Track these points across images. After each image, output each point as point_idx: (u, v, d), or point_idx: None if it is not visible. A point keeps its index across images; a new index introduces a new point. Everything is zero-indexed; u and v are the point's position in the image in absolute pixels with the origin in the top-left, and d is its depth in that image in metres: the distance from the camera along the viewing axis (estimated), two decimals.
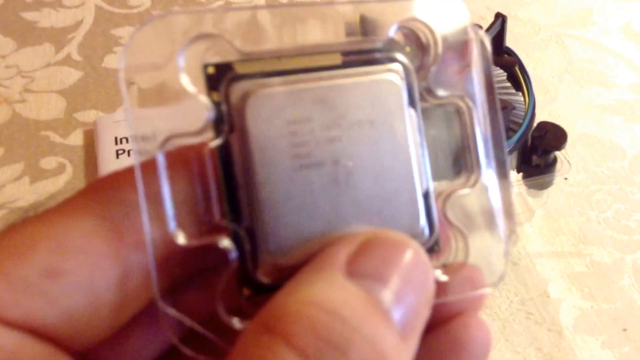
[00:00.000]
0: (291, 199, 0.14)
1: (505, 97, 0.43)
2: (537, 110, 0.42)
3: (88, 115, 0.52)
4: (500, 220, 0.15)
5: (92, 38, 0.59)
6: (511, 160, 0.41)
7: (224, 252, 0.13)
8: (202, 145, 0.14)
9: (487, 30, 0.43)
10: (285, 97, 0.14)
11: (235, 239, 0.14)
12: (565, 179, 0.45)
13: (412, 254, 0.13)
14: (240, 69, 0.14)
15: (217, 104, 0.14)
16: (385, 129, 0.14)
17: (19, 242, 0.12)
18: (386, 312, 0.12)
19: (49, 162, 0.49)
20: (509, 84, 0.44)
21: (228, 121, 0.13)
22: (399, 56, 0.15)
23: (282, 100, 0.14)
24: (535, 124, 0.41)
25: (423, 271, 0.13)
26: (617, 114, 0.52)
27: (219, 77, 0.13)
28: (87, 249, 0.12)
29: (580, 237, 0.44)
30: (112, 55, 0.57)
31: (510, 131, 0.40)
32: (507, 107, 0.38)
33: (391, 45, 0.15)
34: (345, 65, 0.15)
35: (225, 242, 0.13)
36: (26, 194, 0.47)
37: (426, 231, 0.15)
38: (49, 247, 0.12)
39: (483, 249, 0.15)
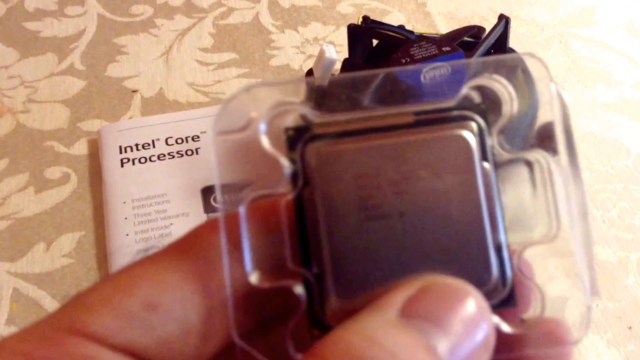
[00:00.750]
0: (357, 248, 0.15)
1: None
2: (539, 111, 0.42)
3: (92, 125, 0.52)
4: (583, 274, 0.16)
5: (95, 47, 0.59)
6: None
7: (295, 296, 0.15)
8: (279, 198, 0.15)
9: (490, 32, 0.43)
10: (354, 154, 0.15)
11: (306, 284, 0.15)
12: None
13: (473, 301, 0.13)
14: (316, 130, 0.15)
15: (294, 162, 0.15)
16: (454, 183, 0.15)
17: (124, 279, 0.14)
18: (435, 354, 0.13)
19: (53, 172, 0.49)
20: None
21: (303, 177, 0.15)
22: (472, 114, 0.15)
23: (352, 156, 0.15)
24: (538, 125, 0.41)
25: (483, 321, 0.13)
26: (621, 112, 0.52)
27: (297, 139, 0.15)
28: (180, 286, 0.14)
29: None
30: (115, 64, 0.57)
31: None
32: None
33: (464, 103, 0.15)
34: (417, 124, 0.15)
35: (297, 287, 0.15)
36: (31, 204, 0.47)
37: (499, 284, 0.15)
38: (149, 283, 0.14)
39: (563, 304, 0.16)
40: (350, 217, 0.15)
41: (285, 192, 0.15)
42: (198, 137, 0.49)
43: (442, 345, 0.13)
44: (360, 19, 0.47)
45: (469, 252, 0.15)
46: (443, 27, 0.60)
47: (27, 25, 0.61)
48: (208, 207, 0.45)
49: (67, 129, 0.52)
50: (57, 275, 0.43)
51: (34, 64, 0.57)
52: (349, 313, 0.14)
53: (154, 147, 0.49)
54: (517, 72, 0.42)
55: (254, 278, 0.15)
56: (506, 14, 0.58)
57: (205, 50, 0.59)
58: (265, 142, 0.15)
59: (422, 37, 0.44)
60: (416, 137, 0.15)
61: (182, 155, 0.48)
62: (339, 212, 0.15)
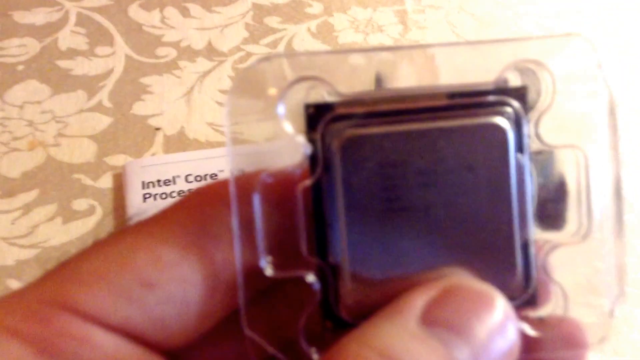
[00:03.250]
0: (377, 241, 0.14)
1: None
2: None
3: (117, 160, 0.56)
4: (611, 278, 0.15)
5: (122, 86, 0.63)
6: None
7: (308, 286, 0.14)
8: (297, 181, 0.14)
9: None
10: (381, 139, 0.14)
11: (321, 274, 0.14)
12: None
13: (499, 309, 0.12)
14: (340, 109, 0.14)
15: (313, 143, 0.14)
16: (485, 175, 0.14)
17: (119, 252, 0.13)
18: None
19: (80, 204, 0.52)
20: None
21: (323, 161, 0.14)
22: (510, 99, 0.14)
23: (378, 142, 0.13)
24: None
25: (509, 330, 0.12)
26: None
27: (318, 118, 0.14)
28: (180, 263, 0.13)
29: (589, 288, 0.46)
30: (141, 103, 0.61)
31: None
32: None
33: (503, 85, 0.14)
34: (450, 107, 0.14)
35: (311, 277, 0.14)
36: (58, 234, 0.50)
37: (522, 283, 0.14)
38: (146, 259, 0.13)
39: (586, 307, 0.15)
40: (372, 207, 0.14)
41: (303, 175, 0.14)
42: (216, 175, 0.53)
43: (464, 356, 0.12)
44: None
45: (494, 249, 0.14)
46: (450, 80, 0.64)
47: (60, 63, 0.65)
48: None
49: (94, 163, 0.55)
50: None
51: (65, 100, 0.61)
52: (365, 308, 0.13)
53: (174, 183, 0.52)
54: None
55: (267, 268, 0.13)
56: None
57: (224, 92, 0.62)
58: (283, 120, 0.13)
59: None
60: (448, 124, 0.14)
61: None
62: (361, 202, 0.14)
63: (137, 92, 0.62)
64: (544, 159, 0.14)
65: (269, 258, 0.14)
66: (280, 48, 0.67)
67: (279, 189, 0.14)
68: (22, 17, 0.71)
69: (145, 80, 0.64)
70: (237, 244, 0.13)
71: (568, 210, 0.15)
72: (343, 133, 0.14)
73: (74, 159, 0.56)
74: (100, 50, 0.67)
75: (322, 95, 0.14)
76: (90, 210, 0.52)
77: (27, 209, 0.52)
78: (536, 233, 0.14)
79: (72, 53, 0.66)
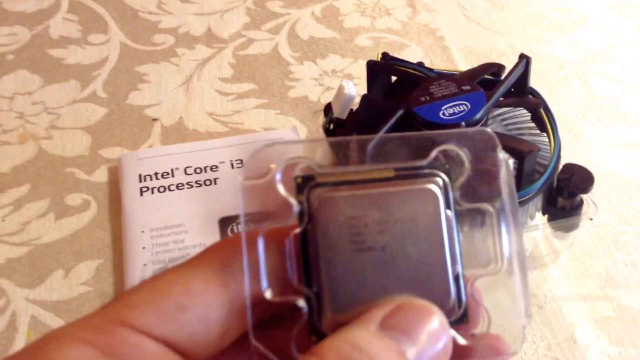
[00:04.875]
0: (348, 273, 0.19)
1: (529, 138, 0.42)
2: (560, 149, 0.42)
3: (112, 152, 0.53)
4: (520, 299, 0.19)
5: (117, 75, 0.60)
6: (537, 202, 0.41)
7: (299, 309, 0.19)
8: (289, 230, 0.19)
9: (511, 71, 0.43)
10: (347, 199, 0.19)
11: (308, 299, 0.19)
12: (591, 219, 0.44)
13: (436, 318, 0.18)
14: (319, 179, 0.19)
15: (301, 203, 0.19)
16: (424, 225, 0.19)
17: (161, 285, 0.18)
18: (405, 357, 0.17)
19: (73, 199, 0.49)
20: (533, 124, 0.43)
21: (307, 215, 0.19)
22: (438, 172, 0.19)
23: (345, 201, 0.19)
24: (560, 165, 0.41)
25: (443, 334, 0.18)
26: None
27: (303, 185, 0.19)
28: (206, 292, 0.18)
29: (607, 279, 0.43)
30: (137, 92, 0.58)
31: (535, 173, 0.40)
32: (533, 149, 0.38)
33: (433, 163, 0.20)
34: (396, 177, 0.19)
35: (300, 302, 0.19)
36: (51, 230, 0.47)
37: (456, 305, 0.19)
38: (181, 290, 0.18)
39: (505, 322, 0.20)
40: (343, 248, 0.19)
41: (293, 226, 0.19)
42: (217, 167, 0.50)
43: (411, 352, 0.17)
44: (380, 56, 0.48)
45: (433, 279, 0.19)
46: (461, 62, 0.61)
47: (52, 52, 0.62)
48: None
49: (88, 156, 0.52)
50: (75, 303, 0.43)
51: (57, 91, 0.58)
52: (340, 324, 0.18)
53: (172, 176, 0.49)
54: (539, 111, 0.42)
55: (267, 293, 0.19)
56: (525, 50, 0.58)
57: (224, 80, 0.59)
58: (280, 187, 0.19)
59: (441, 75, 0.44)
60: (395, 189, 0.19)
61: (201, 185, 0.48)
62: (335, 244, 0.19)
63: (133, 81, 0.59)
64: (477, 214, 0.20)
65: (269, 288, 0.19)
66: (283, 34, 0.64)
67: (277, 236, 0.19)
68: (12, 4, 0.68)
69: (142, 68, 0.61)
70: (246, 278, 0.18)
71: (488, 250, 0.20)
72: (321, 195, 0.19)
73: (66, 152, 0.53)
74: (93, 37, 0.64)
75: (308, 167, 0.19)
76: (85, 206, 0.49)
77: (18, 204, 0.49)
78: (465, 268, 0.19)
79: (64, 41, 0.63)
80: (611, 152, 0.52)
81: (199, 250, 0.47)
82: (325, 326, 0.19)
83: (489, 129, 0.20)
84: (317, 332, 0.19)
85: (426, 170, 0.19)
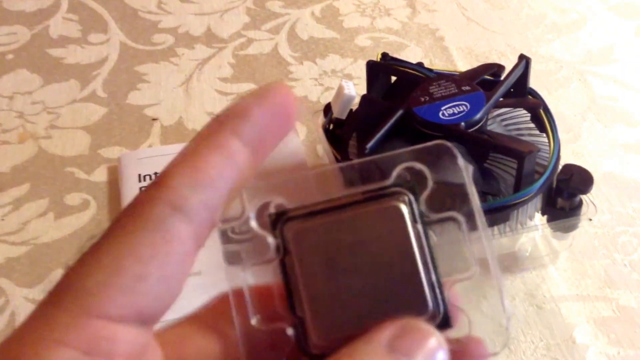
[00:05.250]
0: (328, 295, 0.20)
1: (529, 138, 0.42)
2: (560, 149, 0.42)
3: (112, 152, 0.53)
4: (498, 298, 0.20)
5: (117, 75, 0.60)
6: (536, 202, 0.41)
7: (287, 335, 0.20)
8: (268, 264, 0.20)
9: (511, 72, 0.43)
10: (319, 227, 0.20)
11: (294, 325, 0.20)
12: (590, 220, 0.44)
13: (434, 339, 0.19)
14: (291, 213, 0.20)
15: (276, 237, 0.20)
16: (393, 241, 0.20)
17: (109, 261, 0.18)
18: None
19: (73, 199, 0.49)
20: (533, 125, 0.43)
21: (283, 247, 0.20)
22: (402, 189, 0.20)
23: (317, 229, 0.20)
24: (560, 166, 0.41)
25: (440, 351, 0.19)
26: None
27: (277, 221, 0.20)
28: (155, 255, 0.18)
29: (606, 280, 0.43)
30: (136, 92, 0.58)
31: (535, 173, 0.40)
32: (533, 150, 0.38)
33: (397, 181, 0.21)
34: (365, 200, 0.20)
35: (288, 329, 0.20)
36: (50, 230, 0.47)
37: (435, 313, 0.20)
38: (133, 260, 0.18)
39: (488, 325, 0.20)
40: (320, 273, 0.20)
41: (273, 258, 0.20)
42: None
43: None
44: (380, 56, 0.48)
45: (409, 291, 0.20)
46: (460, 62, 0.61)
47: (51, 52, 0.62)
48: (225, 238, 0.45)
49: (88, 156, 0.52)
50: None
51: (57, 90, 0.58)
52: (326, 344, 0.19)
53: None
54: (539, 112, 0.42)
55: (254, 320, 0.20)
56: (525, 50, 0.58)
57: (224, 80, 0.59)
58: (255, 226, 0.20)
59: (441, 76, 0.44)
60: (362, 210, 0.20)
61: None
62: (312, 270, 0.20)
63: (133, 81, 0.59)
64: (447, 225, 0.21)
65: (257, 317, 0.20)
66: (283, 34, 0.64)
67: (259, 268, 0.21)
68: (12, 3, 0.68)
69: (141, 68, 0.61)
70: (234, 311, 0.20)
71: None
72: (293, 227, 0.20)
73: (66, 151, 0.53)
74: (93, 37, 0.64)
75: (282, 203, 0.20)
76: (84, 205, 0.49)
77: (17, 204, 0.49)
78: (441, 275, 0.20)
79: (64, 41, 0.63)
80: (611, 152, 0.52)
81: None
82: (312, 347, 0.20)
83: (445, 141, 0.20)
84: (307, 353, 0.20)
85: (392, 189, 0.20)
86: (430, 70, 0.46)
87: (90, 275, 0.17)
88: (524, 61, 0.43)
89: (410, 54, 0.61)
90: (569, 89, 0.58)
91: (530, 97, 0.44)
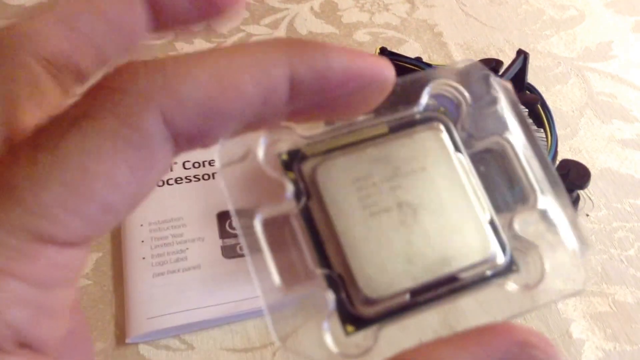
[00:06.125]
0: (369, 242, 0.16)
1: None
2: (557, 145, 0.42)
3: None
4: (569, 231, 0.17)
5: None
6: None
7: (322, 297, 0.16)
8: (289, 214, 0.17)
9: (509, 67, 0.43)
10: (346, 163, 0.17)
11: (331, 284, 0.16)
12: (587, 215, 0.45)
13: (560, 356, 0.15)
14: (306, 151, 0.17)
15: (293, 181, 0.17)
16: (437, 172, 0.17)
17: (70, 176, 0.14)
18: None
19: None
20: (530, 121, 0.44)
21: (304, 191, 0.17)
22: (436, 114, 0.17)
23: (344, 165, 0.17)
24: (557, 161, 0.41)
25: None
26: (639, 149, 0.52)
27: (291, 161, 0.17)
28: (127, 181, 0.14)
29: (603, 275, 0.44)
30: None
31: None
32: None
33: (427, 107, 0.17)
34: (392, 131, 0.17)
35: (323, 289, 0.16)
36: None
37: (499, 254, 0.17)
38: (104, 183, 0.14)
39: (559, 263, 0.17)
40: (356, 216, 0.16)
41: (291, 207, 0.17)
42: (215, 161, 0.50)
43: None
44: (378, 51, 0.48)
45: (466, 230, 0.16)
46: (459, 57, 0.61)
47: None
48: (223, 232, 0.45)
49: None
50: None
51: None
52: (376, 303, 0.16)
53: (171, 170, 0.49)
54: (536, 108, 0.42)
55: (282, 287, 0.16)
56: (523, 46, 0.58)
57: None
58: (266, 167, 0.17)
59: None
60: (394, 142, 0.17)
61: (199, 180, 0.49)
62: (346, 213, 0.16)
63: None
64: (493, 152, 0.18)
65: (284, 280, 0.16)
66: (282, 28, 0.64)
67: (276, 219, 0.17)
68: None
69: None
70: (252, 273, 0.16)
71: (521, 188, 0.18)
72: (315, 166, 0.17)
73: None
74: None
75: (291, 142, 0.17)
76: None
77: None
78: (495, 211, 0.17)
79: None
80: (608, 148, 0.52)
81: (197, 243, 0.47)
82: (360, 309, 0.16)
83: (477, 61, 0.18)
84: (352, 319, 0.16)
85: (422, 116, 0.17)
86: (429, 65, 0.47)
87: (43, 189, 0.14)
88: (522, 56, 0.43)
89: (409, 49, 0.62)
90: (566, 85, 0.58)
91: (528, 92, 0.44)
